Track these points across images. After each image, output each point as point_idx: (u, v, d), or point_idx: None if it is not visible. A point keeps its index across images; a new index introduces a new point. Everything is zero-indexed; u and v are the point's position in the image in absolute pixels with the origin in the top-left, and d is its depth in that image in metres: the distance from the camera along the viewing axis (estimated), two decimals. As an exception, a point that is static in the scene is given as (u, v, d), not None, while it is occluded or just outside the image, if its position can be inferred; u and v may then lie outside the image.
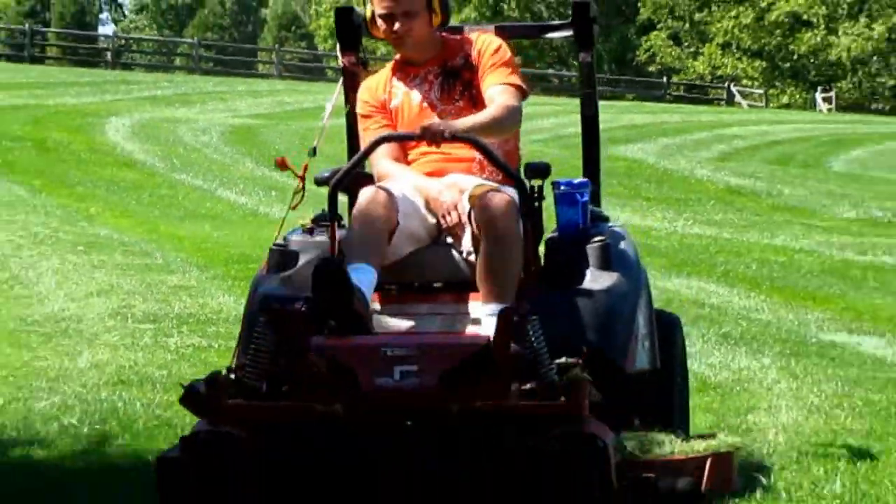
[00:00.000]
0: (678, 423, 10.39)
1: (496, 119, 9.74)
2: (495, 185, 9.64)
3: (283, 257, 10.45)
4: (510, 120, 9.84)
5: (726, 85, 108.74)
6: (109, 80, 79.23)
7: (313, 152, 10.91)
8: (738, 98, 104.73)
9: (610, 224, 10.47)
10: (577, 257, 9.62)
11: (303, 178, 10.55)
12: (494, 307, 9.01)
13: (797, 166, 47.99)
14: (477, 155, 9.87)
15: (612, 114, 70.09)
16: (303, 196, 10.57)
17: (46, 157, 40.83)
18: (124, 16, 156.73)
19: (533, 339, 8.49)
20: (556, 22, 12.03)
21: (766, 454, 13.35)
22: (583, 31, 11.13)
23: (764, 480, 12.15)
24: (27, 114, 51.82)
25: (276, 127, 55.60)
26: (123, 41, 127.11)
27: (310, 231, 10.62)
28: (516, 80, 9.91)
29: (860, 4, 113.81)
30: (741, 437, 13.51)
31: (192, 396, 9.36)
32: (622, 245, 9.95)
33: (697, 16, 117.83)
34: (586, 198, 10.34)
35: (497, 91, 9.76)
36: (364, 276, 9.26)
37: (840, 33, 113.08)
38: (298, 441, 9.10)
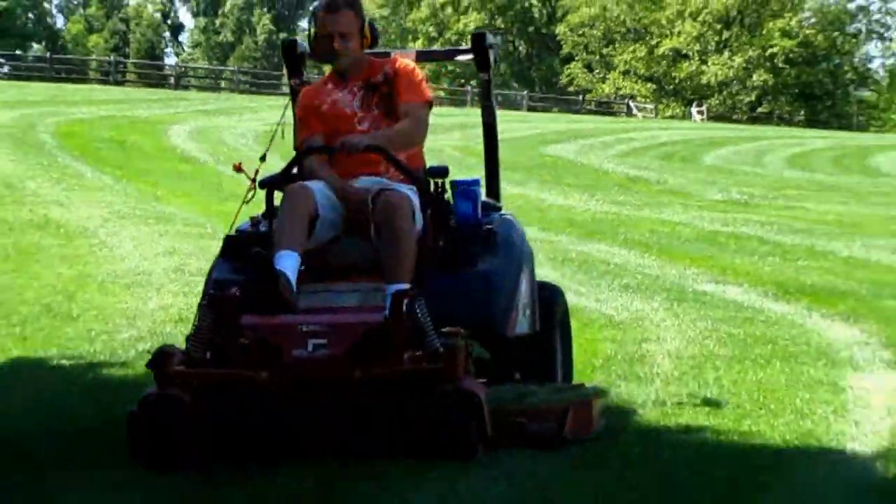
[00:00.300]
0: (561, 376, 10.51)
1: (404, 132, 9.74)
2: (393, 185, 9.54)
3: (233, 246, 10.25)
4: (417, 131, 9.85)
5: (626, 102, 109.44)
6: (172, 97, 78.97)
7: (263, 158, 10.65)
8: (635, 111, 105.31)
9: (501, 213, 10.34)
10: (468, 242, 9.52)
11: (254, 180, 10.39)
12: (392, 288, 8.96)
13: (678, 161, 48.24)
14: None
15: (543, 122, 71.61)
16: (254, 194, 10.46)
17: (126, 154, 40.56)
18: (183, 50, 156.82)
19: (419, 314, 8.54)
20: (463, 48, 11.93)
21: (656, 373, 13.41)
22: (480, 56, 11.07)
23: (653, 395, 12.30)
24: (112, 122, 51.69)
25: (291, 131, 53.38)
26: (183, 69, 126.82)
27: (256, 224, 10.46)
28: (425, 95, 9.88)
29: (724, 42, 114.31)
30: (633, 365, 13.85)
31: (152, 362, 9.28)
32: (508, 230, 9.84)
33: (605, 50, 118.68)
34: (478, 192, 10.21)
35: (409, 107, 9.72)
36: (289, 261, 9.21)
37: (710, 63, 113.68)
38: (233, 403, 9.11)
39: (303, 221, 9.43)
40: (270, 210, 9.87)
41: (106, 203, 27.75)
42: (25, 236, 22.80)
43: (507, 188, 34.50)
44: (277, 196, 10.24)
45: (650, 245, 24.36)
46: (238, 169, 10.69)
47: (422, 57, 11.70)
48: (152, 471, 8.78)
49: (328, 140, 10.05)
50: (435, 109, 11.57)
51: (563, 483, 9.50)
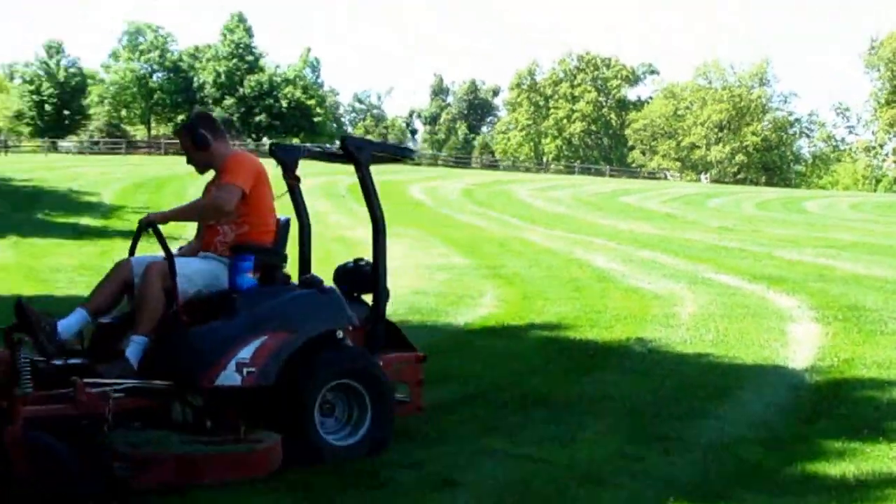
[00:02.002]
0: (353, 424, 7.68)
1: (196, 208, 8.06)
2: (156, 258, 7.58)
3: None
4: (209, 209, 7.84)
5: (664, 172, 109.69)
6: (410, 170, 74.85)
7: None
8: (669, 177, 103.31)
9: (259, 286, 7.78)
10: (207, 306, 7.51)
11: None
12: (135, 337, 7.21)
13: (694, 205, 45.16)
14: (217, 235, 7.92)
15: (618, 184, 64.15)
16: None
17: (386, 200, 38.89)
18: (418, 144, 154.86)
19: (21, 359, 6.59)
20: (335, 149, 9.12)
21: (681, 324, 13.87)
22: (349, 157, 8.76)
23: (679, 336, 13.21)
24: (379, 183, 50.03)
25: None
26: (417, 155, 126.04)
27: None
28: (227, 179, 7.73)
29: (719, 138, 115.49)
30: (668, 319, 14.08)
31: None
32: (257, 300, 7.54)
33: (652, 143, 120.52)
34: (241, 267, 7.77)
35: (214, 188, 7.86)
36: (73, 316, 7.37)
37: (711, 150, 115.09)
38: None
39: (111, 285, 7.65)
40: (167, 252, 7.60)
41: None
42: (328, 245, 22.90)
43: (596, 220, 34.08)
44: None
45: (678, 251, 24.05)
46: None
47: (302, 153, 9.07)
48: None
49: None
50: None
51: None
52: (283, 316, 7.54)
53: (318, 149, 9.46)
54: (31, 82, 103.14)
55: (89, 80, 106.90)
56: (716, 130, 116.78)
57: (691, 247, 25.65)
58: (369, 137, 8.96)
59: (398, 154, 9.57)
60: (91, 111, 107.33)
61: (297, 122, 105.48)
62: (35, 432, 6.39)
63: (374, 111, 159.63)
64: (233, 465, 6.97)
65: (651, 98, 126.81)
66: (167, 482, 6.70)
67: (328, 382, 7.52)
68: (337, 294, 8.01)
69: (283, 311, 7.57)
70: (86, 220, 31.08)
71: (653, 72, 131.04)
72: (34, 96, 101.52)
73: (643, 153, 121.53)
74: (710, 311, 14.96)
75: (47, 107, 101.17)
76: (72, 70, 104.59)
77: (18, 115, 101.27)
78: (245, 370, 7.25)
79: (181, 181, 42.64)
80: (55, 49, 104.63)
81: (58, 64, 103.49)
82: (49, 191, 40.83)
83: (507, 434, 8.05)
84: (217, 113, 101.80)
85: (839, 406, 9.32)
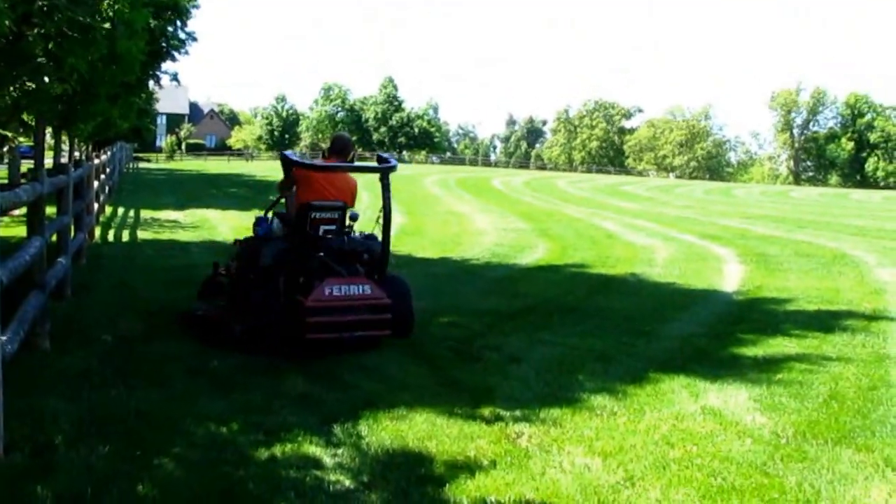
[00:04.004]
0: None
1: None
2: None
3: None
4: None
5: (648, 172, 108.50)
6: (488, 170, 74.78)
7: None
8: (651, 175, 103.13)
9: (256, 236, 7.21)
10: None
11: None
12: None
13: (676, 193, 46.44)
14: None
15: (632, 180, 65.15)
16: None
17: (479, 189, 38.23)
18: (496, 152, 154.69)
19: None
20: (372, 165, 7.18)
21: (659, 264, 14.23)
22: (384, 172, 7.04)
23: (655, 274, 13.48)
24: (473, 178, 49.72)
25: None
26: (498, 162, 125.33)
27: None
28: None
29: (681, 150, 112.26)
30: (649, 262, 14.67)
31: None
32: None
33: (640, 154, 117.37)
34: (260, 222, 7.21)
35: None
36: None
37: (674, 159, 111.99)
38: None
39: None
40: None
41: (471, 205, 27.17)
42: (444, 216, 22.44)
43: (606, 200, 33.37)
44: None
45: (657, 220, 21.87)
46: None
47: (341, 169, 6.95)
48: None
49: None
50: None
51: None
52: None
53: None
54: (266, 118, 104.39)
55: (301, 117, 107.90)
56: (678, 146, 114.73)
57: (664, 217, 25.01)
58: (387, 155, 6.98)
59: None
60: (301, 135, 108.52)
61: (424, 142, 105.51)
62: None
63: (470, 134, 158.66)
64: None
65: (639, 127, 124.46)
66: None
67: None
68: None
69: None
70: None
71: (640, 110, 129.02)
72: (268, 127, 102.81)
73: (634, 160, 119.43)
74: (676, 257, 14.68)
75: (275, 133, 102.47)
76: (290, 111, 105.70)
77: (259, 138, 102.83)
78: None
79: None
80: (281, 99, 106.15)
81: (282, 107, 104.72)
82: (276, 182, 40.95)
83: (551, 330, 8.00)
84: (377, 136, 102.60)
85: (753, 314, 9.15)
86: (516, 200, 33.16)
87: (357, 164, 7.33)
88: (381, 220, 7.14)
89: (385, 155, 7.35)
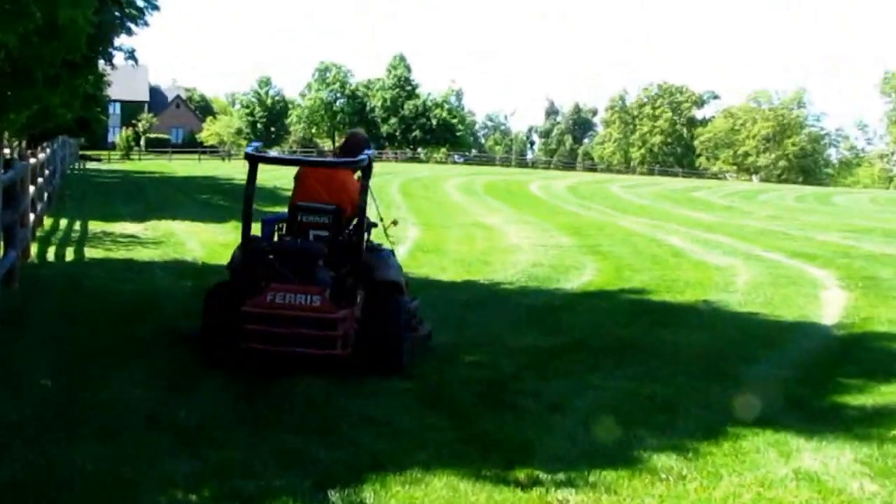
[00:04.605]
0: None
1: None
2: None
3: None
4: None
5: (724, 174, 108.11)
6: (529, 172, 75.60)
7: (395, 222, 8.99)
8: (728, 178, 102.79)
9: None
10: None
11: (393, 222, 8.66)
12: None
13: (749, 199, 46.40)
14: None
15: (687, 184, 64.43)
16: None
17: (511, 195, 39.09)
18: (534, 151, 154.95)
19: None
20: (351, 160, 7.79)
21: (738, 290, 13.85)
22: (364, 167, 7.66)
23: (736, 299, 13.39)
24: (505, 181, 50.14)
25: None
26: (535, 160, 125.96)
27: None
28: None
29: (767, 147, 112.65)
30: (727, 286, 14.02)
31: None
32: None
33: (716, 152, 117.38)
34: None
35: None
36: None
37: (760, 157, 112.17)
38: None
39: None
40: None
41: (502, 216, 27.72)
42: (468, 229, 22.96)
43: (671, 210, 33.53)
44: None
45: (735, 234, 23.41)
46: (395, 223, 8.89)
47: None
48: None
49: None
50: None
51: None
52: None
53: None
54: (247, 107, 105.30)
55: (289, 105, 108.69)
56: (764, 142, 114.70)
57: (745, 230, 25.11)
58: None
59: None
60: (291, 128, 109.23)
61: (444, 136, 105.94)
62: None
63: (502, 127, 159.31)
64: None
65: (713, 117, 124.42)
66: None
67: None
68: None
69: None
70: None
71: (715, 97, 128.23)
72: (249, 117, 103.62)
73: (707, 159, 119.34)
74: (760, 280, 14.75)
75: (258, 125, 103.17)
76: (277, 98, 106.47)
77: (238, 131, 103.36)
78: None
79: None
80: (265, 82, 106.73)
81: (266, 93, 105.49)
82: (259, 187, 41.09)
83: (603, 372, 8.03)
84: (386, 129, 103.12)
85: (859, 353, 9.22)
86: (559, 210, 33.25)
87: (319, 158, 8.19)
88: (388, 227, 7.93)
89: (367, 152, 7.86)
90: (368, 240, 7.95)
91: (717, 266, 16.54)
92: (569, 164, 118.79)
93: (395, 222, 8.91)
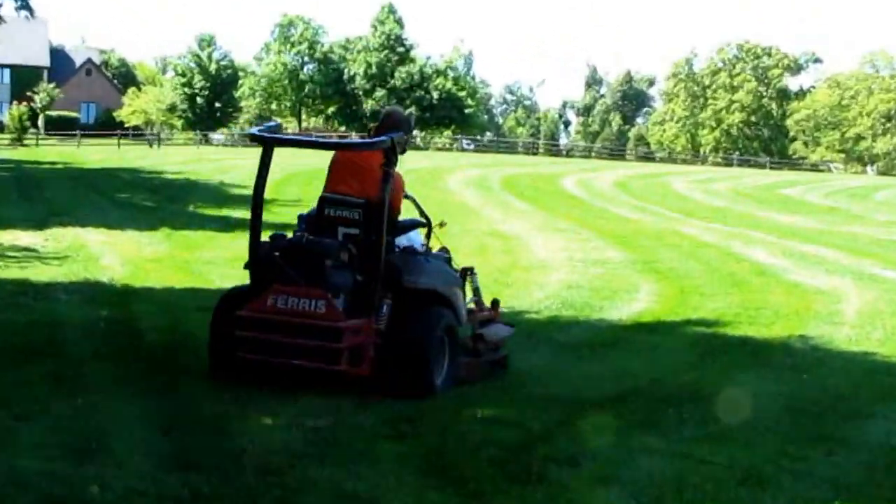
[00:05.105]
0: None
1: None
2: None
3: None
4: None
5: (828, 164, 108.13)
6: (564, 162, 76.18)
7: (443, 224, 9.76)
8: (833, 170, 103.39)
9: None
10: None
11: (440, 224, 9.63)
12: None
13: (858, 198, 46.01)
14: None
15: (779, 176, 65.64)
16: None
17: (538, 193, 39.49)
18: (570, 134, 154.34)
19: None
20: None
21: (845, 321, 14.50)
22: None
23: (845, 332, 13.55)
24: (530, 175, 50.66)
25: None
26: (571, 146, 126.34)
27: None
28: None
29: (886, 129, 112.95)
30: (833, 316, 14.72)
31: None
32: None
33: (815, 134, 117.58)
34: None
35: None
36: None
37: (878, 141, 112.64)
38: None
39: None
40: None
41: (527, 221, 28.23)
42: (482, 239, 23.39)
43: (756, 213, 33.79)
44: None
45: (843, 246, 23.76)
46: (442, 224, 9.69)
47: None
48: None
49: None
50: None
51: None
52: None
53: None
54: (183, 75, 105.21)
55: (241, 73, 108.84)
56: (883, 121, 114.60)
57: (856, 241, 25.31)
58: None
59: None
60: (242, 103, 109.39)
61: (448, 114, 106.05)
62: None
63: (526, 103, 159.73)
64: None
65: (814, 87, 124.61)
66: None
67: None
68: None
69: None
70: (237, 213, 31.49)
71: (816, 60, 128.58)
72: (186, 89, 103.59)
73: (805, 144, 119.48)
74: (877, 307, 14.82)
75: (199, 99, 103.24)
76: (223, 63, 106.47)
77: (171, 108, 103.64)
78: None
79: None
80: (207, 42, 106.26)
81: (210, 57, 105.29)
82: (201, 183, 41.58)
83: (663, 431, 8.04)
84: (370, 105, 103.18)
85: None
86: (603, 213, 33.34)
87: (333, 140, 8.84)
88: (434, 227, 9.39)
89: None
90: (427, 244, 9.15)
91: (817, 289, 16.60)
92: (616, 152, 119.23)
93: (442, 224, 9.67)
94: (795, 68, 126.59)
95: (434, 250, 9.43)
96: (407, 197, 9.23)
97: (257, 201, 8.66)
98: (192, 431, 7.26)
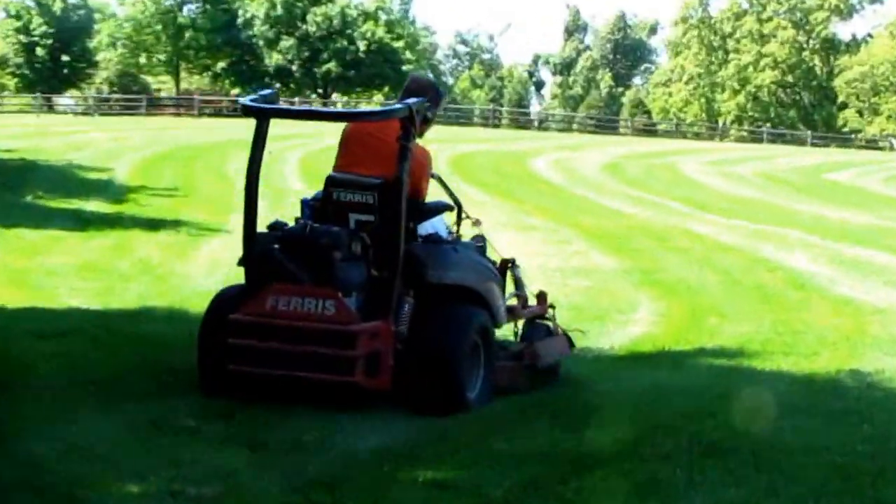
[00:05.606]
0: None
1: None
2: None
3: None
4: None
5: (889, 140, 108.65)
6: (535, 137, 78.68)
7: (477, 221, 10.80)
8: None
9: None
10: None
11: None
12: None
13: None
14: None
15: (823, 156, 65.09)
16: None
17: (500, 178, 40.86)
18: (544, 100, 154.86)
19: None
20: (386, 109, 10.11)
21: None
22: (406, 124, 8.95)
23: None
24: (489, 155, 52.10)
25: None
26: (544, 115, 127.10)
27: None
28: None
29: None
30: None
31: None
32: None
33: (873, 100, 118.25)
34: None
35: None
36: None
37: None
38: None
39: None
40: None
41: (485, 215, 28.32)
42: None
43: (793, 205, 34.27)
44: None
45: None
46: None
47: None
48: None
49: None
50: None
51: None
52: None
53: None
54: (17, 17, 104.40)
55: (97, 16, 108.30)
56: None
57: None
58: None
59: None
60: (99, 57, 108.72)
61: (379, 71, 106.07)
62: None
63: (485, 56, 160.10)
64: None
65: (871, 37, 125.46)
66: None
67: None
68: None
69: None
70: (92, 205, 31.38)
71: (874, 0, 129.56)
72: (22, 36, 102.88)
73: (859, 113, 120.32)
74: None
75: (40, 50, 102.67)
76: (73, 2, 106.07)
77: (2, 62, 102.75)
78: None
79: (221, 151, 42.98)
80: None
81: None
82: (43, 165, 41.51)
83: (671, 497, 8.07)
84: (275, 59, 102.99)
85: None
86: (587, 205, 33.56)
87: (329, 109, 9.12)
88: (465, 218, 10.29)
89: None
90: (457, 232, 9.85)
91: (874, 307, 16.75)
92: (606, 124, 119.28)
93: (476, 222, 10.53)
94: (847, 11, 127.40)
95: (466, 239, 9.97)
96: (433, 176, 9.76)
97: (251, 185, 9.24)
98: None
